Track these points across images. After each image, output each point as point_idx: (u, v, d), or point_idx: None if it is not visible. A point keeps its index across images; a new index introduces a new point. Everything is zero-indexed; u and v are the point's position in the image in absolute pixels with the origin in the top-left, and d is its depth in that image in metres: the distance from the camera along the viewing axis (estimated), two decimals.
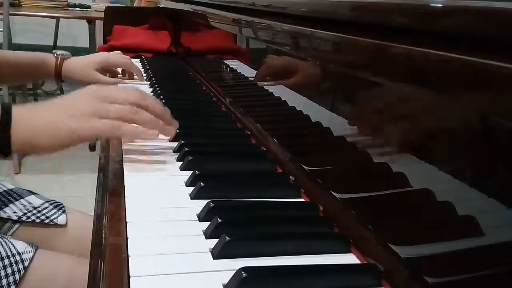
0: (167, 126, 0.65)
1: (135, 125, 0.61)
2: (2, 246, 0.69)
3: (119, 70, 1.22)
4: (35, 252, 0.71)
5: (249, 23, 0.79)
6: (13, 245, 0.70)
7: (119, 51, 1.23)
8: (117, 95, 0.61)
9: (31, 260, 0.70)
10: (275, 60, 0.75)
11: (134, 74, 1.19)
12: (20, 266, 0.68)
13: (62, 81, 1.12)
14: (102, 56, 1.15)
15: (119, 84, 1.12)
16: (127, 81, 1.18)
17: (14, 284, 0.67)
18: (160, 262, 0.41)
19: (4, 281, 0.66)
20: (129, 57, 1.21)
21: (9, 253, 0.68)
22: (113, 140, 0.67)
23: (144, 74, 1.23)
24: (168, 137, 0.69)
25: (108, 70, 1.17)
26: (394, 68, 0.41)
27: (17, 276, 0.67)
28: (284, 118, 0.70)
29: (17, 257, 0.68)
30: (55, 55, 1.09)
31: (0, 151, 0.55)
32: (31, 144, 0.56)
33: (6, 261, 0.67)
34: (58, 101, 0.59)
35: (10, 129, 0.54)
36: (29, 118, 0.56)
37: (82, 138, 0.57)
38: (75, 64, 1.09)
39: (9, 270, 0.67)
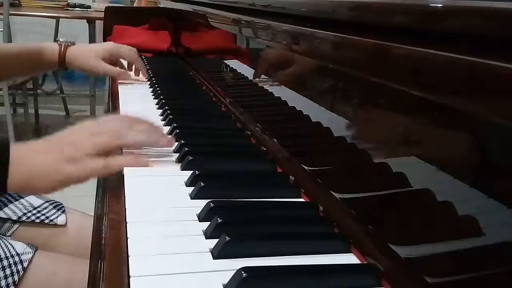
0: (158, 140, 0.65)
1: (120, 157, 0.61)
2: (1, 247, 0.69)
3: (125, 63, 1.19)
4: (34, 253, 0.71)
5: (249, 23, 0.79)
6: (12, 246, 0.70)
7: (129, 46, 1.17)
8: (104, 127, 0.61)
9: (30, 261, 0.69)
10: (275, 60, 0.74)
11: (139, 70, 1.17)
12: (19, 267, 0.68)
13: (66, 69, 1.07)
14: (110, 45, 1.11)
15: (119, 85, 1.11)
16: (129, 80, 1.16)
17: (13, 285, 0.67)
18: (160, 262, 0.41)
19: (3, 282, 0.66)
20: (136, 51, 1.16)
21: (8, 254, 0.68)
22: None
23: (146, 72, 1.21)
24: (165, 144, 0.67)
25: (113, 62, 1.12)
26: (394, 68, 0.41)
27: (16, 277, 0.67)
28: (284, 118, 0.70)
29: (16, 258, 0.68)
30: (59, 42, 1.05)
31: None
32: (26, 186, 0.57)
33: (5, 262, 0.67)
34: (54, 142, 0.59)
35: (7, 172, 0.54)
36: (26, 160, 0.56)
37: (75, 181, 0.57)
38: (80, 52, 1.05)
39: (8, 271, 0.67)
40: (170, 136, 0.71)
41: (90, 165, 0.57)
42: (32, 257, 0.70)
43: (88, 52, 1.06)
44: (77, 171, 0.56)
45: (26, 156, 0.57)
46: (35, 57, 1.04)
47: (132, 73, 1.19)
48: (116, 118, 0.64)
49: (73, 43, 1.07)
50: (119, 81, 1.14)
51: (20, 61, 1.03)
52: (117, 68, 1.11)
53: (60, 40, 1.05)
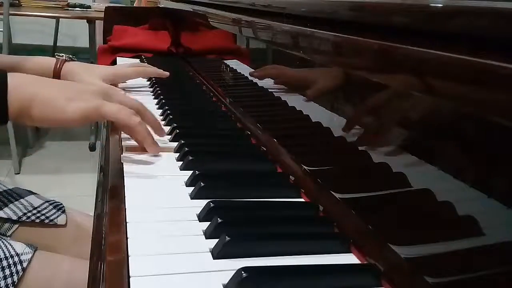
0: (153, 141, 0.65)
1: (118, 105, 0.62)
2: (1, 247, 0.69)
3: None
4: (34, 253, 0.71)
5: (249, 23, 0.79)
6: (11, 246, 0.70)
7: (134, 61, 1.11)
8: (119, 96, 0.64)
9: (29, 261, 0.69)
10: (275, 60, 0.74)
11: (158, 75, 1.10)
12: (19, 267, 0.68)
13: None
14: (111, 71, 1.03)
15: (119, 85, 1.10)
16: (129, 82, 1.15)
17: (12, 286, 0.67)
18: (160, 262, 0.41)
19: (2, 283, 0.66)
20: (138, 63, 1.10)
21: (7, 254, 0.68)
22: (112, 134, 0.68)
23: (163, 72, 1.17)
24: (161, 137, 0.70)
25: (115, 85, 1.04)
26: (394, 68, 0.41)
27: (15, 278, 0.67)
28: (284, 118, 0.70)
29: (16, 258, 0.68)
30: (57, 56, 0.99)
31: None
32: (24, 112, 0.57)
33: (5, 262, 0.67)
34: (59, 81, 0.61)
35: (7, 94, 0.55)
36: (28, 85, 0.57)
37: (71, 119, 0.58)
38: (78, 68, 0.98)
39: (7, 272, 0.67)
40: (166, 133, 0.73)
41: (86, 103, 0.57)
42: (32, 257, 0.70)
43: (87, 70, 0.99)
44: (74, 107, 0.57)
45: (29, 82, 0.57)
46: (28, 70, 0.95)
47: (133, 82, 1.14)
48: (132, 98, 0.67)
49: (73, 59, 1.00)
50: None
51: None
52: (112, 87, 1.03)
53: (58, 55, 0.99)
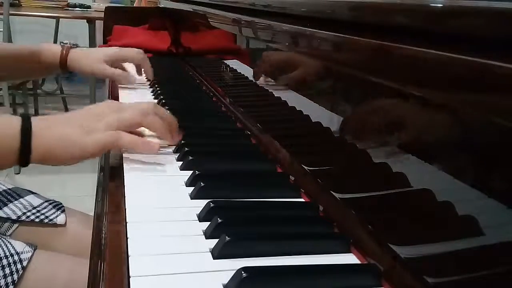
0: (172, 134, 0.67)
1: (135, 136, 0.63)
2: (1, 246, 0.69)
3: (130, 66, 1.17)
4: (33, 252, 0.71)
5: (249, 23, 0.79)
6: (11, 245, 0.70)
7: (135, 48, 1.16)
8: (131, 105, 0.64)
9: (29, 260, 0.69)
10: (275, 60, 0.74)
11: (143, 71, 1.15)
12: (19, 266, 0.68)
13: (67, 72, 1.06)
14: (114, 50, 1.10)
15: (119, 86, 1.11)
16: (137, 79, 1.15)
17: (12, 285, 0.67)
18: (160, 262, 0.41)
19: (2, 281, 0.66)
20: (143, 52, 1.14)
21: (7, 253, 0.68)
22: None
23: (152, 74, 1.20)
24: (176, 143, 0.69)
25: (118, 66, 1.11)
26: (394, 68, 0.41)
27: (15, 276, 0.67)
28: (284, 118, 0.70)
29: (16, 257, 0.68)
30: (61, 44, 1.05)
31: (20, 161, 0.56)
32: (47, 156, 0.58)
33: (5, 261, 0.67)
34: (74, 116, 0.62)
35: (31, 142, 0.56)
36: (48, 128, 0.58)
37: (91, 154, 0.59)
38: (82, 54, 1.04)
39: (7, 270, 0.67)
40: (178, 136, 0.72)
41: (105, 136, 0.59)
42: (32, 256, 0.70)
43: (91, 55, 1.05)
44: (93, 141, 0.58)
45: (47, 127, 0.58)
46: (35, 58, 1.02)
47: (138, 77, 1.17)
48: (142, 102, 0.67)
49: (76, 46, 1.06)
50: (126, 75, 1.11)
51: (19, 62, 1.02)
52: (118, 70, 1.09)
53: (63, 42, 1.06)
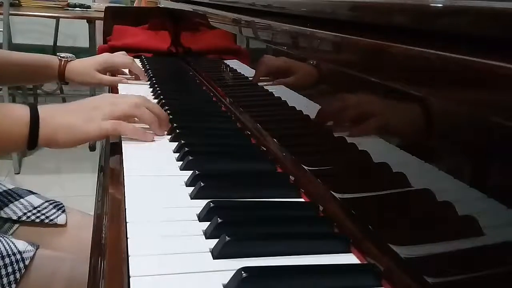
0: (161, 124, 0.74)
1: (136, 125, 0.70)
2: (3, 244, 0.69)
3: (126, 70, 1.22)
4: (35, 251, 0.71)
5: (249, 23, 0.79)
6: (14, 244, 0.70)
7: (123, 52, 1.24)
8: (124, 99, 0.72)
9: (31, 259, 0.70)
10: (275, 60, 0.75)
11: (138, 75, 1.20)
12: (21, 265, 0.68)
13: (66, 83, 1.14)
14: (103, 57, 1.16)
15: (119, 85, 1.12)
16: (129, 81, 1.18)
17: (14, 283, 0.67)
18: (160, 262, 0.41)
19: (4, 280, 0.66)
20: (131, 58, 1.22)
21: (9, 252, 0.68)
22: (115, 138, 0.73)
23: (144, 74, 1.22)
24: (163, 134, 0.75)
25: (110, 71, 1.18)
26: (393, 68, 0.41)
27: (17, 275, 0.67)
28: (284, 118, 0.70)
29: (18, 256, 0.69)
30: (59, 57, 1.11)
31: (29, 146, 0.65)
32: (52, 140, 0.65)
33: (7, 260, 0.67)
34: (76, 106, 0.70)
35: (39, 127, 0.64)
36: (53, 117, 0.66)
37: (91, 138, 0.67)
38: (77, 66, 1.11)
39: (9, 269, 0.67)
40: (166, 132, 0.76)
41: (103, 125, 0.66)
42: (34, 255, 0.70)
43: (85, 66, 1.12)
44: (93, 129, 0.66)
45: (53, 113, 0.67)
46: (36, 69, 1.10)
47: (133, 77, 1.21)
48: (135, 95, 0.74)
49: (73, 59, 1.13)
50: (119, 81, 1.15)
51: (22, 71, 1.09)
52: (111, 78, 1.17)
53: (61, 55, 1.12)
